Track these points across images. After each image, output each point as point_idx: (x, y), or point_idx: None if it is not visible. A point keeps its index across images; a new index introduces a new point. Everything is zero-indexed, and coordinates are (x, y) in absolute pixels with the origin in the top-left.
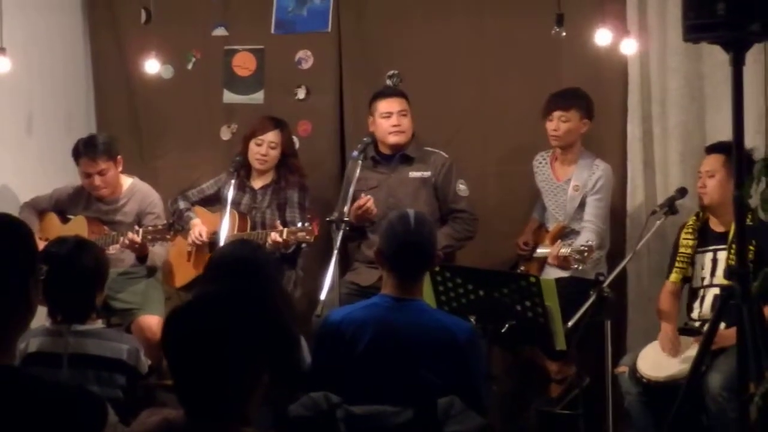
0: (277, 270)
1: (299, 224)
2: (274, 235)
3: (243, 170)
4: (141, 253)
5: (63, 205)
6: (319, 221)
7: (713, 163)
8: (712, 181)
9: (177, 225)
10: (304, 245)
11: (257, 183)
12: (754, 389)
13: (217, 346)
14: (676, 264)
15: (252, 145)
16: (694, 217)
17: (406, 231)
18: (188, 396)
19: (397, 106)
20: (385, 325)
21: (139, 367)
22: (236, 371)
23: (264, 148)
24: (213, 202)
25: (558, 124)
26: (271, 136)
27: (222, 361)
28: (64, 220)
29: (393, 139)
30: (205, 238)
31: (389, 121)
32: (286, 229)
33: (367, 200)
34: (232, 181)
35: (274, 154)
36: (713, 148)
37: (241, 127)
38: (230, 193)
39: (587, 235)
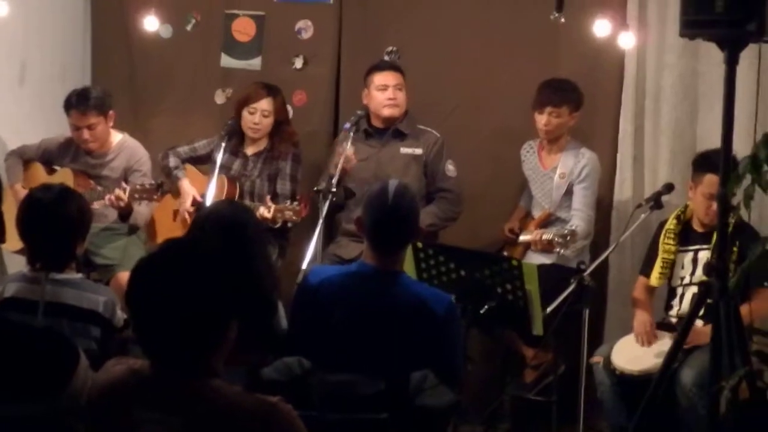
0: (261, 234)
1: (288, 201)
2: (263, 210)
3: (236, 136)
4: (124, 211)
5: (50, 156)
6: (309, 202)
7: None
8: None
9: (164, 186)
10: (290, 224)
11: (250, 150)
12: (725, 384)
13: (178, 293)
14: (660, 269)
15: (245, 113)
16: (675, 220)
17: (383, 204)
18: (152, 346)
19: (393, 79)
20: (363, 294)
21: (115, 320)
22: (198, 322)
23: (257, 116)
24: (204, 161)
25: (549, 119)
26: (264, 104)
27: (183, 310)
28: (51, 171)
29: (387, 112)
30: (196, 196)
31: (385, 93)
32: (273, 206)
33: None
34: (223, 145)
35: (267, 122)
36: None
37: (236, 92)
38: (219, 158)
39: (576, 222)
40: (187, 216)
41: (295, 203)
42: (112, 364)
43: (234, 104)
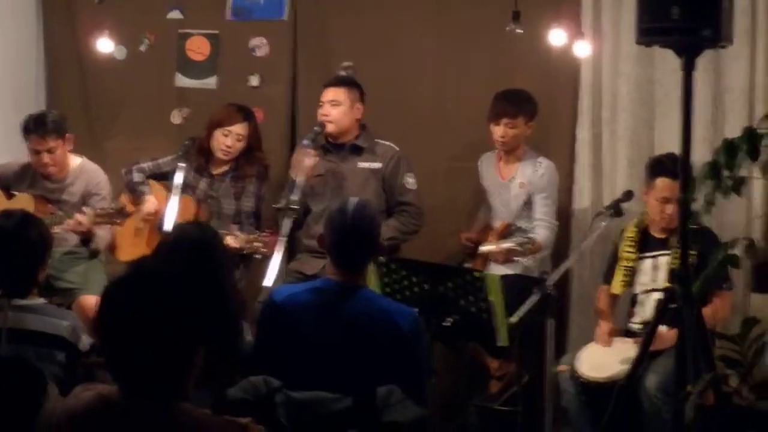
0: (228, 255)
1: (252, 219)
2: (230, 240)
3: (203, 155)
4: (85, 236)
5: (8, 181)
6: (277, 233)
7: (676, 189)
8: (672, 206)
9: (126, 210)
10: (258, 256)
11: (217, 169)
12: (692, 389)
13: (148, 317)
14: (621, 277)
15: (218, 134)
16: (634, 228)
17: (343, 222)
18: (121, 371)
19: (329, 96)
20: (328, 310)
21: (80, 345)
22: (168, 345)
23: (230, 139)
24: (168, 178)
25: (505, 130)
26: (239, 129)
27: (153, 334)
28: (9, 196)
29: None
30: (159, 208)
31: (321, 110)
32: (241, 236)
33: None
34: (183, 166)
35: (240, 146)
36: (673, 173)
37: (192, 112)
38: (178, 179)
39: (539, 231)
40: (148, 215)
41: (264, 234)
42: (80, 390)
43: (207, 123)
